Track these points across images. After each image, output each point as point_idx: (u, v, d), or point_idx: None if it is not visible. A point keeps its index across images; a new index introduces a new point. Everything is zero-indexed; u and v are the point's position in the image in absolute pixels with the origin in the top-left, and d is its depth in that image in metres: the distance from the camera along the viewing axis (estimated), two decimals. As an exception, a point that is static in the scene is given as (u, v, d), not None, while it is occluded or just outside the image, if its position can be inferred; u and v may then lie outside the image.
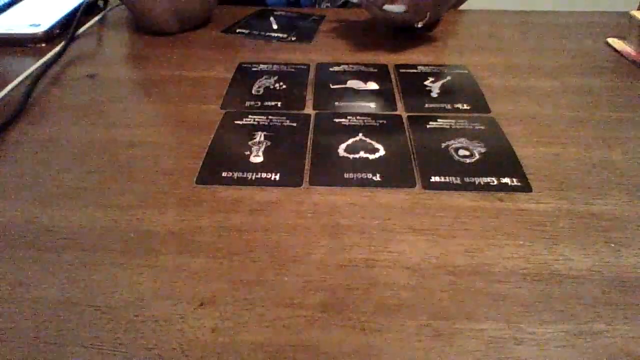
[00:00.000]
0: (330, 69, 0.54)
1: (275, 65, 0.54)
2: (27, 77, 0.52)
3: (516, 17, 0.68)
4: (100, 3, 0.71)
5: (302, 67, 0.54)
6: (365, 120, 0.45)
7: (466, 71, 0.53)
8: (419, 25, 0.57)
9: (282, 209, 0.35)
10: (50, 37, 0.60)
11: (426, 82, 0.51)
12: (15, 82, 0.50)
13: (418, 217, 0.35)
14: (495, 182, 0.37)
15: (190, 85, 0.51)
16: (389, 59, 0.56)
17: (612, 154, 0.41)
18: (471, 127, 0.44)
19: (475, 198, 0.36)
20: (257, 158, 0.40)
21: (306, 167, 0.39)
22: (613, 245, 0.32)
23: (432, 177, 0.38)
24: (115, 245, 0.32)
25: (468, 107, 0.47)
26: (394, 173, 0.38)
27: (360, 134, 0.43)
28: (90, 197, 0.36)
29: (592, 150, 0.41)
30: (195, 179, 0.38)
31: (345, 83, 0.51)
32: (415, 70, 0.53)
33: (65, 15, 0.64)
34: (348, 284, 0.30)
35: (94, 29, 0.65)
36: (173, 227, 0.34)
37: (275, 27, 0.64)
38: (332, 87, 0.50)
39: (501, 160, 0.40)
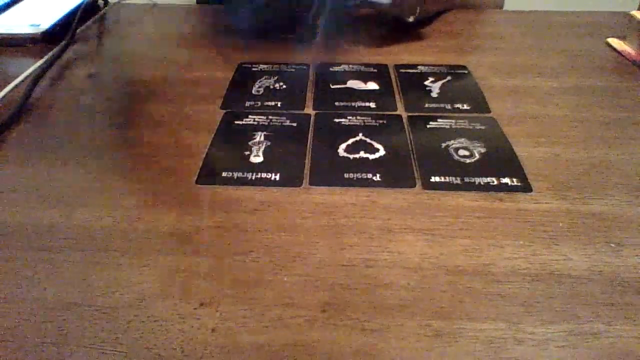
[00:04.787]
0: (330, 69, 0.54)
1: (275, 65, 0.54)
2: (27, 77, 0.52)
3: (516, 17, 0.68)
4: (101, 3, 0.71)
5: (302, 67, 0.54)
6: (365, 120, 0.45)
7: (466, 71, 0.53)
8: (411, 20, 0.57)
9: (282, 209, 0.35)
10: (50, 37, 0.60)
11: (426, 82, 0.51)
12: (15, 82, 0.50)
13: (418, 217, 0.35)
14: (495, 182, 0.37)
15: (190, 85, 0.51)
16: (389, 59, 0.56)
17: (612, 154, 0.41)
18: (471, 127, 0.44)
19: (475, 198, 0.36)
20: (257, 158, 0.40)
21: (306, 167, 0.39)
22: (613, 245, 0.32)
23: (432, 177, 0.38)
24: (115, 245, 0.32)
25: (468, 107, 0.47)
26: (394, 173, 0.38)
27: (360, 134, 0.43)
28: (90, 197, 0.36)
29: (592, 150, 0.41)
30: (195, 179, 0.38)
31: (345, 83, 0.51)
32: (415, 70, 0.53)
33: (65, 15, 0.64)
34: (348, 284, 0.30)
35: (94, 29, 0.65)
36: (173, 227, 0.34)
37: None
38: (332, 87, 0.50)
39: (501, 160, 0.40)
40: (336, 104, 0.47)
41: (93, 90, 0.50)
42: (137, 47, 0.60)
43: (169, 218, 0.34)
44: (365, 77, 0.52)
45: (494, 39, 0.61)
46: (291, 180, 0.38)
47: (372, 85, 0.51)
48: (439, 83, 0.51)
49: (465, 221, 0.34)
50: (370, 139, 0.42)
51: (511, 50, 0.58)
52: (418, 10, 0.56)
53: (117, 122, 0.45)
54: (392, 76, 0.52)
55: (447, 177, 0.38)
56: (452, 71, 0.53)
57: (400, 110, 0.47)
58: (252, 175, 0.38)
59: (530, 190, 0.37)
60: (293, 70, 0.54)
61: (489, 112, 0.46)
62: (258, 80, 0.51)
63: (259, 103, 0.47)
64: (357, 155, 0.40)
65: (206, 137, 0.42)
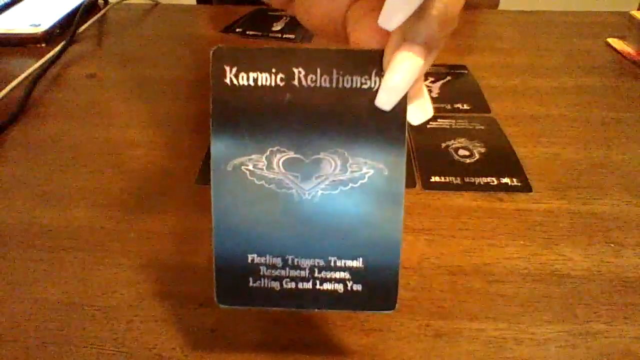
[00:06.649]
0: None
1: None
2: (27, 77, 0.52)
3: (516, 17, 0.68)
4: (101, 3, 0.71)
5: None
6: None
7: (466, 71, 0.53)
8: None
9: (282, 209, 0.35)
10: (50, 37, 0.60)
11: (426, 82, 0.51)
12: (15, 82, 0.50)
13: (418, 217, 0.35)
14: (495, 182, 0.37)
15: (190, 85, 0.51)
16: (389, 59, 0.56)
17: (612, 154, 0.41)
18: (471, 127, 0.44)
19: (475, 198, 0.36)
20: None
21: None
22: (613, 245, 0.32)
23: (432, 177, 0.38)
24: (115, 245, 0.32)
25: (468, 107, 0.47)
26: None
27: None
28: (90, 197, 0.36)
29: (592, 150, 0.41)
30: (195, 179, 0.38)
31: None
32: (415, 70, 0.53)
33: (65, 15, 0.64)
34: (348, 284, 0.30)
35: (94, 29, 0.65)
36: (173, 227, 0.34)
37: (274, 26, 0.64)
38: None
39: (501, 160, 0.40)
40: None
41: (93, 90, 0.50)
42: (137, 47, 0.60)
43: (169, 218, 0.34)
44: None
45: (493, 38, 0.61)
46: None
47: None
48: (439, 83, 0.51)
49: (465, 221, 0.34)
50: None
51: (511, 50, 0.58)
52: None
53: (117, 122, 0.45)
54: (392, 76, 0.52)
55: (447, 177, 0.38)
56: (452, 71, 0.53)
57: (400, 110, 0.47)
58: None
59: (530, 190, 0.37)
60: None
61: (489, 112, 0.46)
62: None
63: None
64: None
65: (206, 137, 0.42)
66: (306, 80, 0.20)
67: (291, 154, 0.21)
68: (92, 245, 0.32)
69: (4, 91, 0.49)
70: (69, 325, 0.27)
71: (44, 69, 0.52)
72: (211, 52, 0.20)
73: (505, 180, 0.38)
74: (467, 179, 0.38)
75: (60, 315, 0.28)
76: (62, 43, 0.58)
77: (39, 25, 0.61)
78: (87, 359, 0.26)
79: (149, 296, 0.29)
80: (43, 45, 0.59)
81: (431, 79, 0.52)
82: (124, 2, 0.72)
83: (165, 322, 0.28)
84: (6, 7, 0.66)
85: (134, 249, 0.32)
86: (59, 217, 0.35)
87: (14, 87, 0.50)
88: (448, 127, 0.44)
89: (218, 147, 0.21)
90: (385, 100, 0.20)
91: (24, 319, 0.28)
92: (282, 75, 0.20)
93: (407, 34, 0.19)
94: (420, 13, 0.19)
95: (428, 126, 0.44)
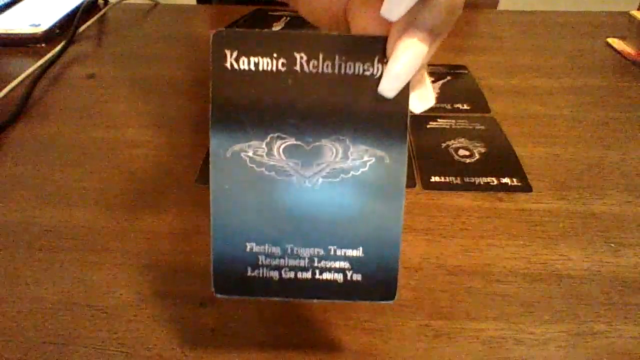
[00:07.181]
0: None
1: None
2: (27, 77, 0.52)
3: (516, 17, 0.68)
4: (101, 3, 0.71)
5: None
6: (365, 120, 0.45)
7: (466, 71, 0.53)
8: None
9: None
10: (50, 37, 0.60)
11: (426, 82, 0.51)
12: (15, 82, 0.50)
13: (418, 217, 0.35)
14: (495, 182, 0.37)
15: (190, 85, 0.51)
16: (389, 59, 0.56)
17: (612, 154, 0.41)
18: (471, 127, 0.44)
19: (475, 198, 0.36)
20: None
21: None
22: (613, 245, 0.32)
23: (432, 177, 0.38)
24: (115, 245, 0.32)
25: (468, 107, 0.47)
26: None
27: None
28: (90, 197, 0.36)
29: (591, 150, 0.41)
30: (195, 179, 0.38)
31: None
32: (415, 70, 0.53)
33: (65, 15, 0.64)
34: (348, 284, 0.30)
35: (94, 29, 0.65)
36: (173, 227, 0.34)
37: (274, 26, 0.64)
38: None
39: (501, 160, 0.40)
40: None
41: (93, 90, 0.50)
42: (137, 47, 0.60)
43: (169, 218, 0.34)
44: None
45: (493, 38, 0.61)
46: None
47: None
48: (439, 83, 0.51)
49: (465, 221, 0.34)
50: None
51: (511, 50, 0.58)
52: None
53: (117, 122, 0.45)
54: (392, 76, 0.52)
55: (447, 177, 0.38)
56: (452, 71, 0.53)
57: (400, 110, 0.47)
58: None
59: (530, 190, 0.37)
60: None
61: (489, 112, 0.46)
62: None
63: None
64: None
65: (206, 137, 0.42)
66: (308, 65, 0.20)
67: (292, 141, 0.21)
68: (92, 245, 0.32)
69: (4, 91, 0.49)
70: (69, 325, 0.27)
71: (44, 69, 0.52)
72: (211, 36, 0.20)
73: (505, 180, 0.38)
74: (467, 179, 0.38)
75: (60, 315, 0.28)
76: (62, 43, 0.58)
77: (39, 25, 0.61)
78: (87, 359, 0.26)
79: (149, 296, 0.29)
80: (43, 45, 0.59)
81: (431, 79, 0.51)
82: (124, 2, 0.72)
83: (165, 322, 0.28)
84: (6, 7, 0.66)
85: (134, 249, 0.32)
86: (59, 217, 0.35)
87: (14, 87, 0.50)
88: (448, 127, 0.44)
89: (217, 133, 0.21)
90: (388, 88, 0.20)
91: (24, 319, 0.28)
92: (284, 60, 0.20)
93: (412, 20, 0.19)
94: None
95: (428, 126, 0.44)
